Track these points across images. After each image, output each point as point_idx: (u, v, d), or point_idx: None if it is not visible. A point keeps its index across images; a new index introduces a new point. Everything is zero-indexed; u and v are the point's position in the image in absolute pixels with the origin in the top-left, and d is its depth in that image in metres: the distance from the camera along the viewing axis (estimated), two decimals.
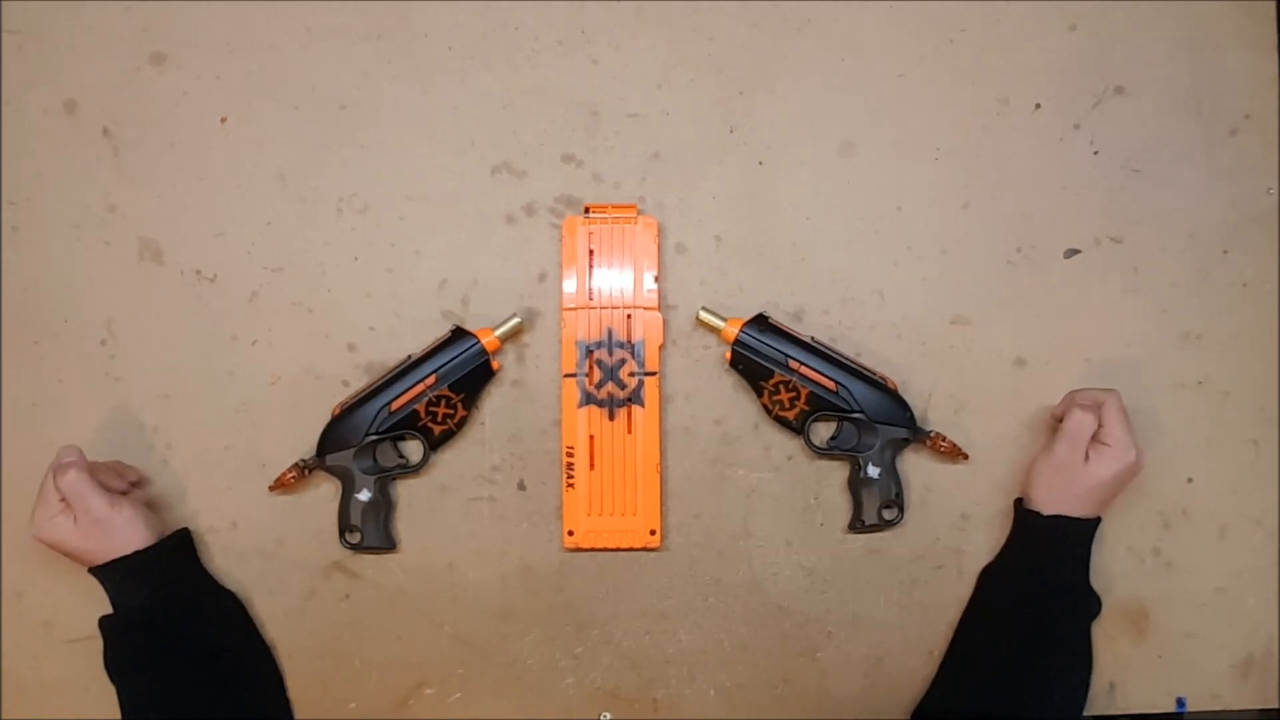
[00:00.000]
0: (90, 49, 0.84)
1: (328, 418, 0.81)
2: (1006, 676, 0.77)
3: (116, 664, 0.76)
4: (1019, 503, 0.80)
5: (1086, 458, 0.76)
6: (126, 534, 0.75)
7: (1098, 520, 0.78)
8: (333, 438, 0.80)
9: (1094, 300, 0.84)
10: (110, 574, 0.76)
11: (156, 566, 0.76)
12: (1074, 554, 0.78)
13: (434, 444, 0.81)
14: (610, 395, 0.81)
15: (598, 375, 0.81)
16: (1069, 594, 0.78)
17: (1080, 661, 0.78)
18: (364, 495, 0.81)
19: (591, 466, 0.81)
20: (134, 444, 0.82)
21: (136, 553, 0.75)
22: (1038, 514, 0.78)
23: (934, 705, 0.79)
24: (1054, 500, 0.77)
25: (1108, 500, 0.78)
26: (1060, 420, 0.78)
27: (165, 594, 0.77)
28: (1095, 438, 0.76)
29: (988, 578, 0.81)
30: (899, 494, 0.82)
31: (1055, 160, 0.84)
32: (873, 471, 0.81)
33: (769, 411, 0.81)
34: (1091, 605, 0.78)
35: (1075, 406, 0.76)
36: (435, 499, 0.83)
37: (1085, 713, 0.82)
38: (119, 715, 0.76)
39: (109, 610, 0.77)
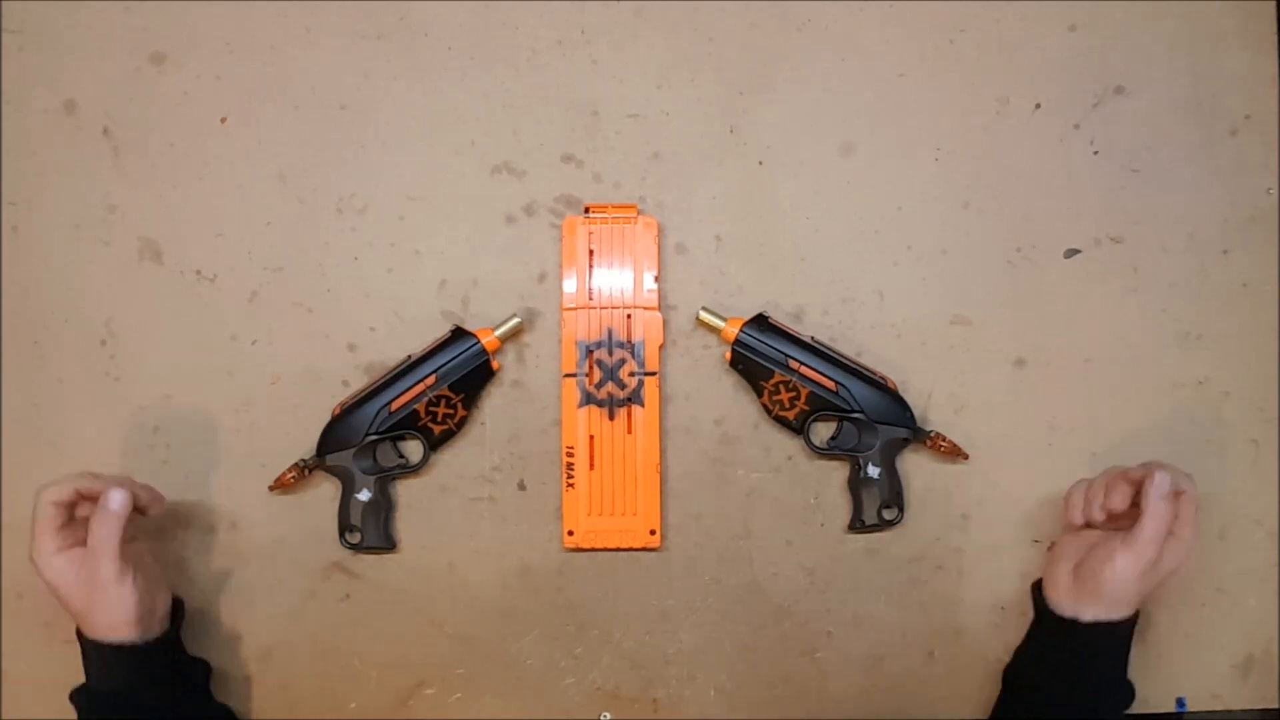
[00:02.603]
0: (90, 49, 0.84)
1: (328, 418, 0.81)
2: None
3: None
4: (1039, 594, 0.76)
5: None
6: (117, 611, 0.71)
7: (1136, 616, 0.74)
8: (333, 438, 0.80)
9: (1094, 300, 0.84)
10: (94, 651, 0.72)
11: (141, 661, 0.72)
12: (1116, 659, 0.74)
13: (434, 444, 0.81)
14: (610, 395, 0.81)
15: (598, 375, 0.81)
16: (1109, 697, 0.74)
17: None
18: (364, 495, 0.81)
19: (591, 466, 0.81)
20: (134, 444, 0.82)
21: (125, 645, 0.71)
22: (1075, 622, 0.73)
23: None
24: (1117, 604, 0.72)
25: (1149, 594, 0.73)
26: (1119, 502, 0.72)
27: (145, 681, 0.73)
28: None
29: (1018, 680, 0.78)
30: (899, 494, 0.82)
31: (1055, 160, 0.84)
32: (873, 471, 0.81)
33: (769, 411, 0.81)
34: (1126, 698, 0.75)
35: (1155, 497, 0.70)
36: (435, 499, 0.83)
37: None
38: None
39: (75, 697, 0.74)
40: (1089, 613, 0.72)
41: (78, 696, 0.75)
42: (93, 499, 0.71)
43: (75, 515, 0.72)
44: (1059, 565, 0.75)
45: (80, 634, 0.73)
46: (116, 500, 0.70)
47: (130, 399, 0.83)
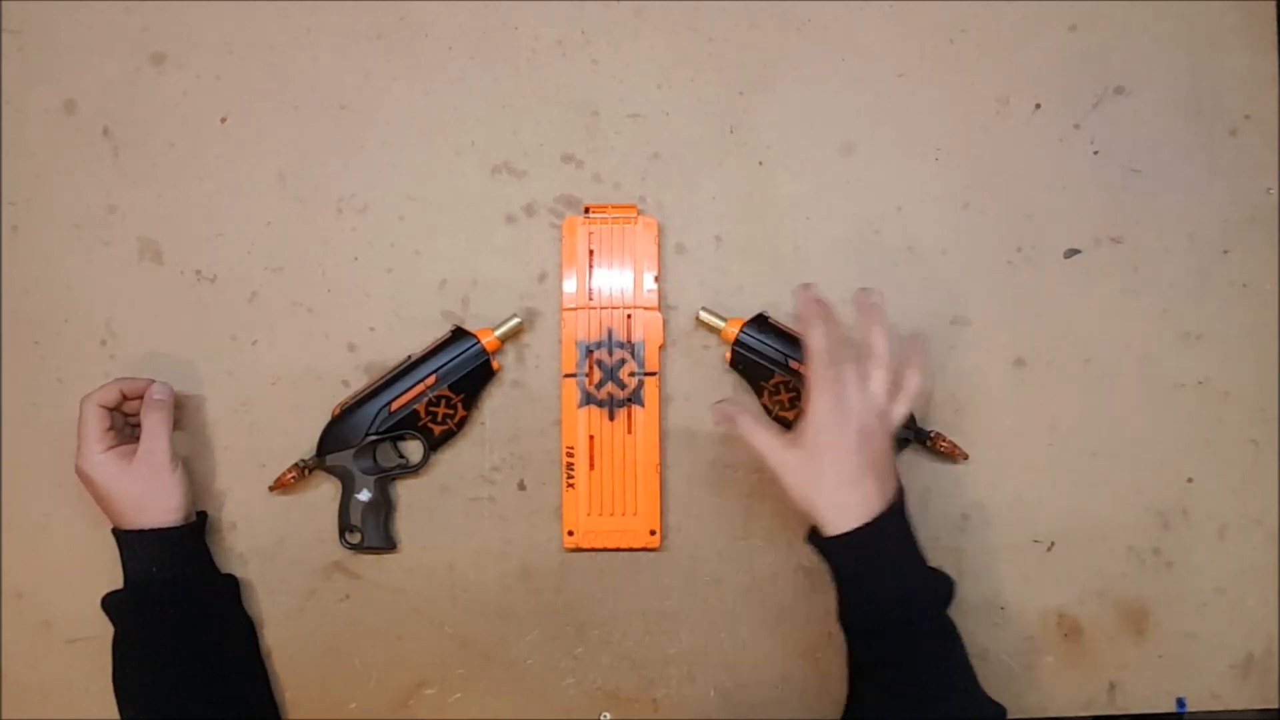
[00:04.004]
0: (90, 49, 0.84)
1: (328, 418, 0.81)
2: (901, 708, 0.68)
3: (130, 637, 0.76)
4: (812, 536, 0.71)
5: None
6: (169, 498, 0.76)
7: (895, 505, 0.68)
8: (333, 438, 0.80)
9: (1094, 300, 0.84)
10: (139, 541, 0.75)
11: (184, 547, 0.77)
12: (894, 562, 0.68)
13: (434, 444, 0.81)
14: (610, 395, 0.81)
15: (598, 375, 0.81)
16: (905, 601, 0.68)
17: (957, 656, 0.69)
18: (364, 495, 0.81)
19: (591, 466, 0.81)
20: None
21: (173, 528, 0.76)
22: (825, 538, 0.68)
23: None
24: (808, 496, 0.68)
25: (879, 465, 0.67)
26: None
27: (190, 562, 0.78)
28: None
29: (843, 624, 0.71)
30: None
31: (1055, 160, 0.84)
32: None
33: (769, 411, 0.81)
34: (941, 592, 0.69)
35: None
36: (435, 499, 0.83)
37: (1085, 712, 0.82)
38: (118, 712, 0.76)
39: (109, 604, 0.76)
40: (830, 523, 0.68)
41: (113, 603, 0.76)
42: (135, 397, 0.78)
43: (113, 424, 0.77)
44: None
45: (121, 532, 0.76)
46: (162, 390, 0.78)
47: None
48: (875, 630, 0.69)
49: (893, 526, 0.69)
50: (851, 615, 0.70)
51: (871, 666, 0.70)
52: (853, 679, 0.73)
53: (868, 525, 0.68)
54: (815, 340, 0.69)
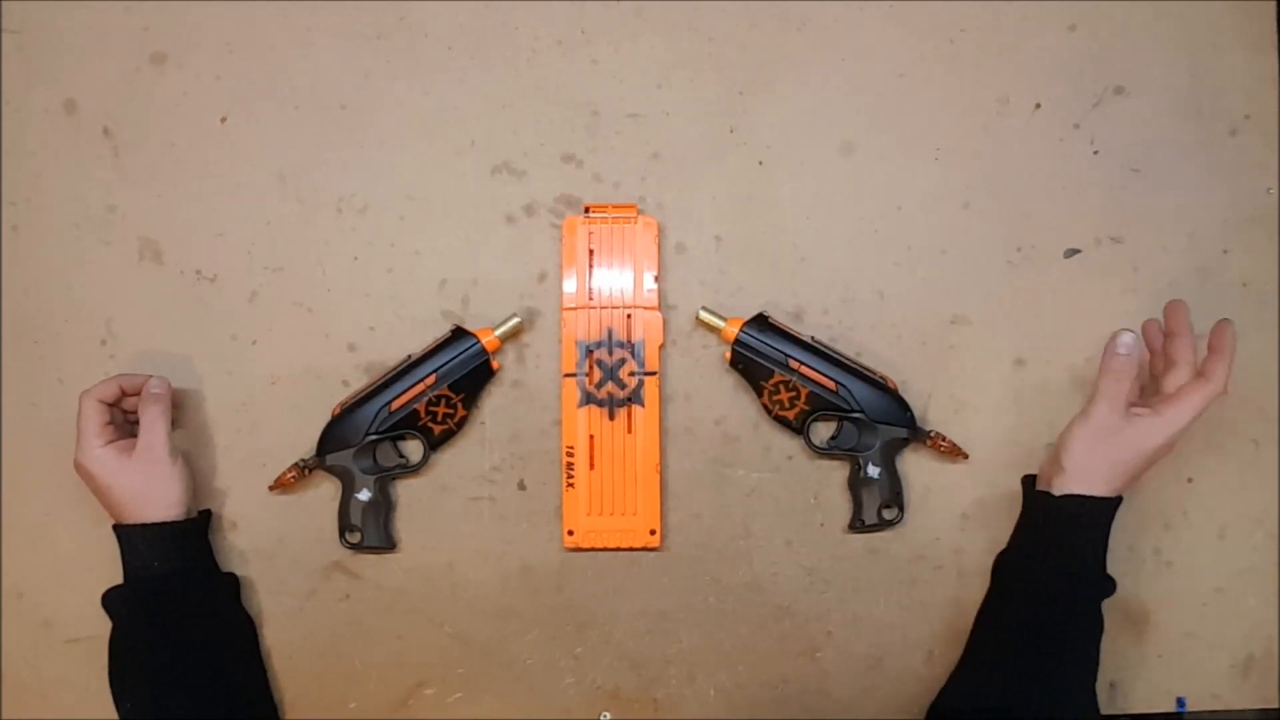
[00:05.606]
0: (90, 49, 0.84)
1: (328, 418, 0.81)
2: (1023, 671, 0.74)
3: (129, 633, 0.76)
4: (1028, 481, 0.78)
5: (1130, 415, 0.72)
6: (169, 492, 0.76)
7: (1118, 500, 0.74)
8: (333, 438, 0.80)
9: (1094, 300, 0.84)
10: (140, 535, 0.75)
11: (184, 541, 0.77)
12: (1091, 540, 0.74)
13: (434, 444, 0.81)
14: (610, 395, 0.81)
15: (598, 375, 0.81)
16: (1085, 583, 0.75)
17: (1093, 651, 0.75)
18: (364, 495, 0.81)
19: (591, 466, 0.81)
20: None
21: (173, 522, 0.76)
22: (1047, 495, 0.74)
23: (952, 701, 0.77)
24: (1080, 474, 0.73)
25: (1139, 474, 0.74)
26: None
27: (190, 558, 0.78)
28: (1145, 392, 0.73)
29: (1002, 566, 0.78)
30: (899, 494, 0.82)
31: (1055, 160, 0.84)
32: (873, 471, 0.81)
33: (769, 411, 0.81)
34: (1106, 587, 0.75)
35: (1108, 353, 0.72)
36: (435, 499, 0.83)
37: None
38: (115, 709, 0.76)
39: (109, 600, 0.76)
40: (1060, 486, 0.74)
41: (113, 599, 0.76)
42: (134, 393, 0.78)
43: (112, 419, 0.77)
44: (1053, 449, 0.77)
45: (121, 527, 0.76)
46: (159, 384, 0.78)
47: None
48: (1060, 592, 0.74)
49: (1112, 512, 0.74)
50: (1039, 570, 0.75)
51: (1031, 625, 0.74)
52: (986, 642, 0.77)
53: (1104, 498, 0.73)
54: (1224, 372, 0.73)
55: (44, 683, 0.82)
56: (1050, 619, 0.74)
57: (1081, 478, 0.73)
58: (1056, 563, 0.75)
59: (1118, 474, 0.73)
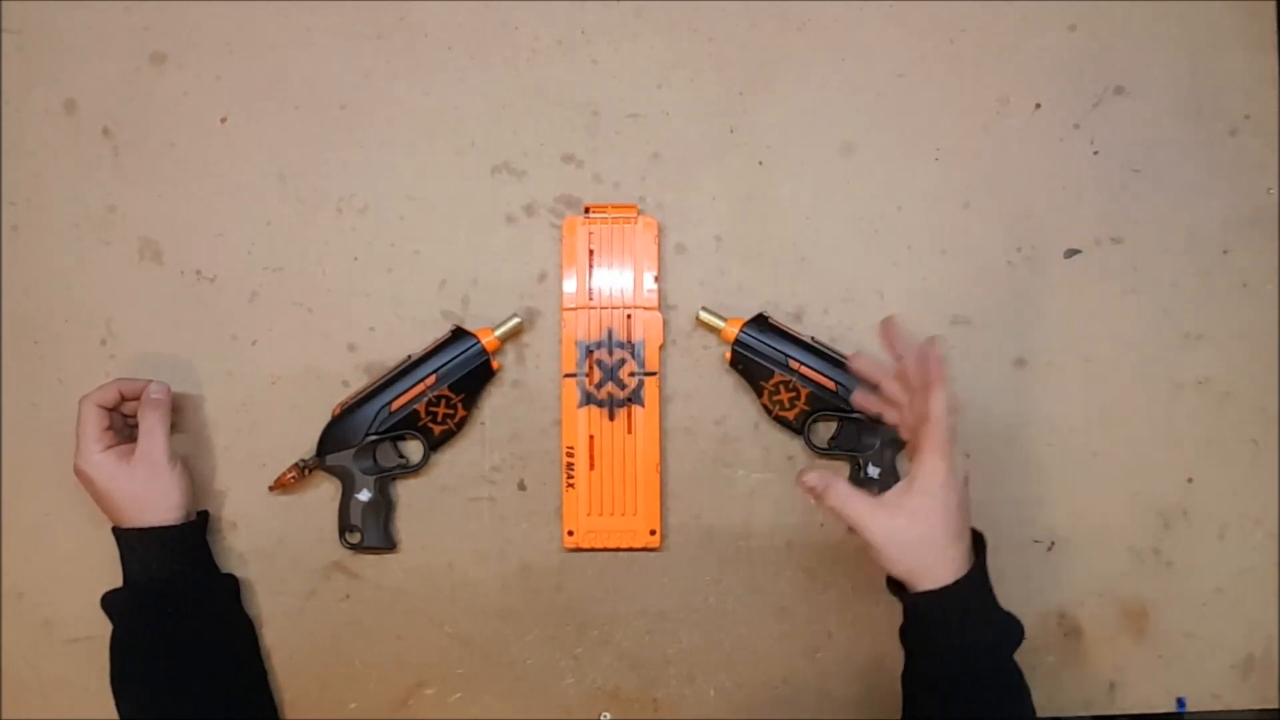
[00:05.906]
0: (90, 49, 0.84)
1: (328, 418, 0.81)
2: None
3: (129, 635, 0.76)
4: (894, 588, 0.70)
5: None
6: (168, 496, 0.76)
7: (976, 562, 0.68)
8: (333, 438, 0.80)
9: (1094, 300, 0.84)
10: (139, 539, 0.75)
11: (184, 544, 0.77)
12: (971, 623, 0.68)
13: (434, 444, 0.81)
14: (610, 395, 0.81)
15: (598, 375, 0.81)
16: (986, 656, 0.69)
17: (1017, 704, 0.70)
18: (364, 495, 0.81)
19: (591, 466, 0.81)
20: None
21: (172, 526, 0.76)
22: (914, 598, 0.68)
23: None
24: (917, 574, 0.67)
25: (960, 522, 0.68)
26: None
27: (189, 561, 0.78)
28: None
29: (908, 684, 0.71)
30: None
31: (1055, 160, 0.84)
32: (873, 471, 0.81)
33: (769, 411, 0.81)
34: (1008, 642, 0.69)
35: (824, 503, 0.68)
36: (435, 499, 0.83)
37: (1085, 712, 0.82)
38: (115, 711, 0.76)
39: (109, 602, 0.76)
40: (912, 587, 0.68)
41: (112, 602, 0.76)
42: (134, 398, 0.78)
43: (111, 424, 0.77)
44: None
45: (121, 531, 0.76)
46: (159, 389, 0.78)
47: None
48: (969, 677, 0.68)
49: (983, 573, 0.70)
50: (941, 665, 0.69)
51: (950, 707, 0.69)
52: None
53: (967, 576, 0.68)
54: (939, 405, 0.67)
55: (44, 683, 0.82)
56: (966, 699, 0.69)
57: (923, 575, 0.67)
58: (969, 649, 0.69)
59: (941, 547, 0.67)
